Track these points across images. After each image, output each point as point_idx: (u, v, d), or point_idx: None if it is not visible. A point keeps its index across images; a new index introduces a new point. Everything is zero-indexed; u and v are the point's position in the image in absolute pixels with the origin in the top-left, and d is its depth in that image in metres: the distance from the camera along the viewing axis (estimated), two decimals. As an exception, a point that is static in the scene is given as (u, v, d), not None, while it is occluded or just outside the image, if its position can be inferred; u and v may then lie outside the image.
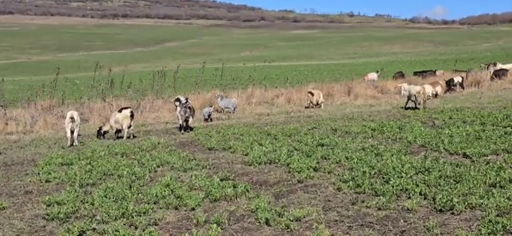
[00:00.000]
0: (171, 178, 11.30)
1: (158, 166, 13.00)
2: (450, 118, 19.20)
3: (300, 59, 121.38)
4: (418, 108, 23.53)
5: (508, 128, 15.78)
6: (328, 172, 11.43)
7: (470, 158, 11.97)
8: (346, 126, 18.27)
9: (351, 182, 10.31)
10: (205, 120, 22.83)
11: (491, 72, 37.00)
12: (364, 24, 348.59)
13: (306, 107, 26.73)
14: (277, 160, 12.77)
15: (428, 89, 28.85)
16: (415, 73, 42.28)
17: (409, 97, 24.41)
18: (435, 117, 19.62)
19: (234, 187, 10.39)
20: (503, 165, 10.94)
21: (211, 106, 24.18)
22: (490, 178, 9.93)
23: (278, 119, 22.48)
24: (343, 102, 28.64)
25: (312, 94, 27.15)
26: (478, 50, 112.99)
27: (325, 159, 12.80)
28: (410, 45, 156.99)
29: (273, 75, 60.24)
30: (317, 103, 26.90)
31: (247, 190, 10.20)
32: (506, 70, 36.78)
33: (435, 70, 42.84)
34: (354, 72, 56.78)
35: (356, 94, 30.49)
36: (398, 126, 17.39)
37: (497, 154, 12.28)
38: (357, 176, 10.62)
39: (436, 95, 29.36)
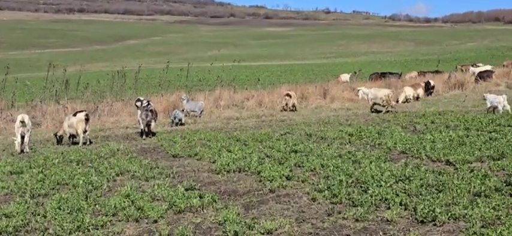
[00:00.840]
0: (131, 188, 11.19)
1: (117, 175, 12.87)
2: (432, 122, 19.42)
3: (272, 58, 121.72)
4: (390, 111, 23.95)
5: (493, 133, 16.02)
6: (302, 181, 11.44)
7: (454, 165, 12.11)
8: (322, 131, 18.33)
9: (326, 191, 10.33)
10: (176, 124, 22.78)
11: (476, 74, 37.59)
12: (341, 21, 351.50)
13: (282, 110, 26.80)
14: (247, 168, 12.75)
15: (409, 91, 29.21)
16: (379, 75, 42.18)
17: (374, 101, 24.83)
18: (416, 122, 19.83)
19: (200, 197, 10.34)
20: (489, 172, 11.09)
21: (183, 110, 24.10)
22: (474, 187, 10.05)
23: (248, 123, 22.46)
24: (319, 105, 28.76)
25: (290, 96, 27.22)
26: (462, 49, 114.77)
27: (299, 166, 12.82)
28: (390, 45, 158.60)
29: (243, 75, 60.23)
30: (293, 107, 26.99)
31: (215, 201, 10.16)
32: (492, 72, 37.42)
33: (400, 73, 42.97)
34: (330, 73, 57.16)
35: (332, 96, 30.66)
36: (377, 131, 17.52)
37: (482, 161, 12.45)
38: (333, 185, 10.65)
39: (417, 98, 29.70)
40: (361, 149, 14.70)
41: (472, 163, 12.28)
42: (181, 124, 22.88)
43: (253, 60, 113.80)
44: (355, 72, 44.83)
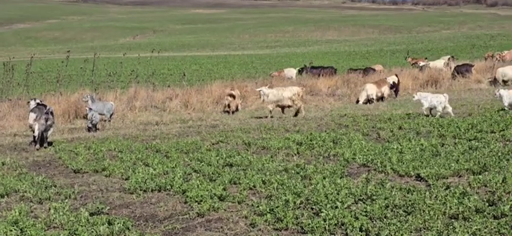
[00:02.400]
0: (20, 213, 10.97)
1: (2, 196, 12.60)
2: (400, 128, 19.72)
3: (201, 47, 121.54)
4: (297, 115, 24.48)
5: (473, 141, 16.38)
6: (239, 202, 11.43)
7: (426, 181, 12.31)
8: (264, 139, 18.37)
9: (269, 215, 10.35)
10: (89, 129, 22.62)
11: (453, 69, 38.47)
12: (288, 2, 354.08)
13: (225, 111, 26.80)
14: (169, 186, 12.66)
15: (372, 90, 29.63)
16: (302, 70, 42.69)
17: (280, 103, 25.28)
18: (380, 127, 20.10)
19: (109, 223, 10.21)
20: (468, 189, 11.33)
21: (85, 116, 23.82)
22: (450, 207, 10.23)
23: (171, 130, 22.35)
24: (260, 107, 28.85)
25: (233, 96, 27.20)
26: (436, 38, 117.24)
27: (235, 183, 12.80)
28: (348, 32, 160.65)
29: (165, 69, 60.00)
30: (237, 109, 27.00)
31: (128, 228, 10.05)
32: (471, 65, 38.34)
33: (335, 69, 43.56)
34: (275, 67, 57.48)
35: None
36: (332, 139, 17.67)
37: (460, 176, 12.70)
38: (278, 207, 10.68)
39: (382, 98, 30.16)
40: (312, 161, 14.79)
41: (447, 178, 12.51)
42: (95, 129, 22.69)
43: (178, 50, 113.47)
44: (306, 66, 45.17)
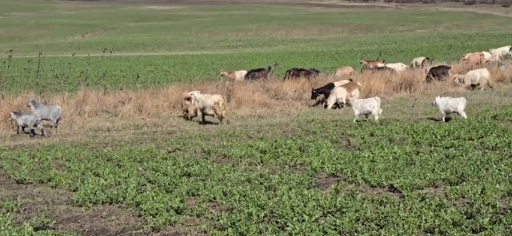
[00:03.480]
0: (-44, 228, 10.83)
1: None
2: (372, 135, 19.82)
3: (157, 47, 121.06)
4: (219, 122, 24.80)
5: (450, 149, 16.51)
6: (198, 215, 11.40)
7: (399, 192, 12.38)
8: (224, 147, 18.36)
9: (230, 229, 10.33)
10: (32, 133, 22.53)
11: (428, 71, 38.74)
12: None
13: (183, 116, 26.71)
14: (121, 199, 12.59)
15: (341, 93, 29.72)
16: (251, 73, 42.81)
17: (203, 110, 25.62)
18: (351, 133, 20.17)
19: (56, 239, 10.12)
20: (444, 201, 11.41)
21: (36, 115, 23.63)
22: (426, 220, 10.29)
23: (124, 136, 22.23)
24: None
25: (191, 100, 27.14)
26: (410, 38, 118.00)
27: (193, 195, 12.77)
28: (316, 31, 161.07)
29: (117, 70, 59.65)
30: (195, 114, 26.92)
31: (76, 244, 9.97)
32: (448, 68, 38.66)
33: (269, 68, 43.70)
34: (237, 68, 57.43)
35: (239, 99, 30.80)
36: (298, 147, 17.70)
37: (436, 187, 12.80)
38: (240, 220, 10.66)
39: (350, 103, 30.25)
40: (277, 171, 14.80)
41: (423, 188, 12.59)
42: (32, 133, 22.51)
43: (131, 50, 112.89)
44: (270, 67, 45.21)
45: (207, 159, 16.87)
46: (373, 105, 23.33)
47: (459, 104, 23.12)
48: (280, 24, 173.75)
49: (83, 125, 25.53)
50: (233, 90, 32.01)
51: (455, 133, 18.79)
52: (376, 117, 23.11)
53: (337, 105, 29.55)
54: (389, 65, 44.86)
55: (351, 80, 32.90)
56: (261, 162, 16.12)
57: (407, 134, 19.27)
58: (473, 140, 17.89)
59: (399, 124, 21.53)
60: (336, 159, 15.69)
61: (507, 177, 12.89)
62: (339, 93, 29.71)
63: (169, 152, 18.18)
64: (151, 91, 31.29)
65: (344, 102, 29.61)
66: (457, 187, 12.33)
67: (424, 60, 50.59)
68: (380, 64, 45.70)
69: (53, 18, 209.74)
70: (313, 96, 31.07)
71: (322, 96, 30.63)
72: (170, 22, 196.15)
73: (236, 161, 16.31)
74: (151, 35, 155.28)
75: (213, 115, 25.79)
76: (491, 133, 18.56)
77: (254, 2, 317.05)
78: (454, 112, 23.20)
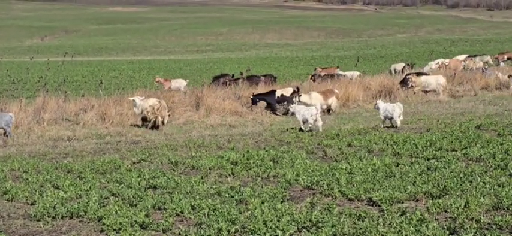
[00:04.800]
0: None
1: None
2: (349, 145, 19.86)
3: (121, 51, 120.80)
4: (157, 128, 25.44)
5: (432, 160, 16.58)
6: (164, 231, 11.37)
7: (379, 206, 12.41)
8: (193, 158, 18.33)
9: (199, 245, 10.30)
10: None
11: (404, 77, 38.89)
12: (223, 0, 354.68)
13: (147, 127, 26.68)
14: (82, 213, 12.52)
15: (316, 100, 29.74)
16: (216, 78, 42.96)
17: (142, 115, 26.11)
18: (327, 144, 20.21)
19: (11, 257, 10.05)
20: (426, 215, 11.44)
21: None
22: (406, 235, 10.32)
23: (85, 146, 22.14)
24: (189, 120, 28.77)
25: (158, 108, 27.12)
26: (390, 43, 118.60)
27: (160, 209, 12.74)
28: (290, 34, 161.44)
29: (79, 76, 59.44)
30: (162, 123, 26.89)
31: (33, 262, 9.90)
32: (426, 75, 38.80)
33: (234, 75, 43.91)
34: (206, 74, 57.44)
35: (208, 107, 30.77)
36: (272, 158, 17.70)
37: (417, 200, 12.84)
38: (209, 235, 10.64)
39: (329, 110, 30.32)
40: (249, 183, 14.79)
41: (403, 202, 12.63)
42: None
43: (94, 54, 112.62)
44: (242, 73, 45.25)
45: (174, 170, 16.83)
46: (311, 113, 23.83)
47: (395, 110, 23.93)
48: (253, 27, 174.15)
49: (42, 134, 25.38)
50: (202, 97, 31.98)
51: (437, 144, 18.86)
52: (319, 124, 23.80)
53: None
54: (346, 73, 45.28)
55: (298, 89, 33.01)
56: (232, 173, 16.10)
57: (387, 144, 19.33)
58: (456, 151, 17.96)
59: (378, 134, 21.60)
60: (312, 170, 15.70)
61: (492, 190, 12.95)
62: (314, 100, 29.74)
63: (134, 163, 18.12)
64: (115, 99, 31.18)
65: (320, 110, 29.69)
66: (440, 200, 12.37)
67: (404, 67, 50.81)
68: (333, 72, 46.24)
69: (10, 19, 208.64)
70: (253, 102, 31.33)
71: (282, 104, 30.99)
72: (135, 25, 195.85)
73: (205, 173, 16.28)
74: (115, 38, 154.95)
75: (150, 120, 26.41)
76: (476, 144, 18.65)
77: (225, 4, 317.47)
78: (391, 118, 24.06)
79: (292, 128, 24.36)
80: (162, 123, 26.99)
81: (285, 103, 30.76)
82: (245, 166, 16.69)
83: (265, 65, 73.08)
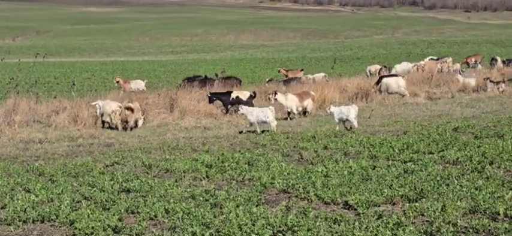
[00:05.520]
0: None
1: None
2: (325, 148, 19.87)
3: (94, 52, 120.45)
4: (126, 129, 25.76)
5: (409, 163, 16.62)
6: (137, 235, 11.33)
7: (355, 209, 12.42)
8: (167, 161, 18.28)
9: (172, 250, 10.29)
10: None
11: (378, 79, 39.08)
12: (197, 1, 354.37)
13: (122, 128, 26.63)
14: (54, 216, 12.45)
15: (292, 102, 29.80)
16: (189, 80, 43.12)
17: (104, 118, 26.47)
18: (303, 147, 20.21)
19: (-19, 262, 9.99)
20: (403, 219, 11.47)
21: None
22: (382, 239, 10.36)
23: (57, 149, 22.03)
24: (163, 122, 28.73)
25: (132, 110, 27.03)
26: (367, 44, 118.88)
27: (133, 213, 12.70)
28: (266, 36, 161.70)
29: (51, 77, 59.22)
30: (136, 124, 26.82)
31: (3, 267, 9.85)
32: (396, 76, 38.98)
33: (207, 76, 44.32)
34: (181, 75, 57.36)
35: (183, 109, 30.75)
36: (247, 161, 17.68)
37: (394, 204, 12.87)
38: (183, 240, 10.62)
39: (305, 112, 30.36)
40: (223, 187, 14.77)
41: (379, 206, 12.66)
42: None
43: (66, 55, 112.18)
44: (217, 75, 45.30)
45: (147, 173, 16.79)
46: (267, 115, 24.21)
47: (351, 112, 24.29)
48: (228, 28, 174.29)
49: (13, 136, 25.28)
50: (177, 99, 31.95)
51: (414, 147, 18.91)
52: (273, 125, 24.15)
53: (289, 115, 29.65)
54: (312, 76, 45.64)
55: (255, 93, 33.18)
56: (207, 177, 16.08)
57: (364, 147, 19.36)
58: (433, 154, 18.02)
59: (355, 137, 21.61)
60: (287, 173, 15.70)
61: (469, 194, 13.00)
62: (290, 102, 29.77)
63: (106, 166, 18.05)
64: (88, 100, 31.10)
65: (295, 112, 29.73)
66: (416, 204, 12.40)
67: (381, 68, 51.05)
68: (298, 75, 46.60)
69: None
70: (210, 100, 31.67)
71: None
72: (109, 25, 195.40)
73: (179, 176, 16.24)
74: (88, 39, 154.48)
75: (110, 123, 26.75)
76: (452, 147, 18.71)
77: (200, 4, 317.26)
78: (346, 120, 24.37)
79: (268, 130, 24.37)
80: (136, 125, 26.94)
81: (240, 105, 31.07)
82: (220, 169, 16.67)
83: (240, 66, 73.13)
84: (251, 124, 24.62)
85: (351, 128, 23.96)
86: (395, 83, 36.08)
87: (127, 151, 20.70)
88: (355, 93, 36.06)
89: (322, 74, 47.29)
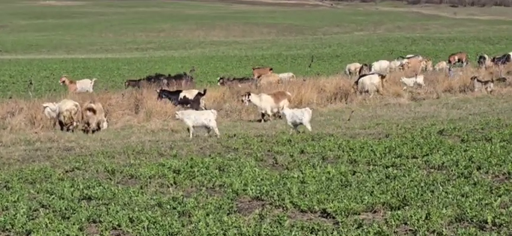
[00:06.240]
0: None
1: None
2: (302, 152, 19.90)
3: (53, 49, 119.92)
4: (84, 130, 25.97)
5: (391, 169, 16.66)
6: (100, 246, 11.31)
7: (333, 218, 12.44)
8: (131, 166, 18.25)
9: (137, 262, 10.27)
10: None
11: (357, 80, 39.26)
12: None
13: (83, 130, 26.54)
14: (9, 226, 12.39)
15: (266, 103, 29.82)
16: (149, 79, 43.30)
17: (59, 118, 26.61)
18: (278, 151, 20.23)
19: None
20: (384, 228, 11.50)
21: None
22: (363, 250, 10.39)
23: (13, 153, 21.92)
24: (128, 124, 28.68)
25: (94, 111, 26.97)
26: (347, 41, 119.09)
27: (94, 222, 12.65)
28: (238, 31, 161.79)
29: (6, 76, 58.92)
30: (98, 127, 26.77)
31: (-46, 281, 9.79)
32: (382, 77, 39.15)
33: (170, 75, 44.75)
34: (147, 73, 57.24)
35: (149, 111, 30.72)
36: (218, 166, 17.68)
37: (375, 211, 12.90)
38: (149, 251, 10.61)
39: (280, 115, 30.39)
40: (192, 194, 14.76)
41: (359, 214, 12.68)
42: None
43: (23, 52, 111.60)
44: (186, 73, 45.30)
45: (110, 179, 16.73)
46: (209, 118, 24.59)
47: (304, 115, 24.68)
48: (197, 23, 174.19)
49: (-36, 139, 25.16)
50: (142, 100, 31.92)
51: (396, 151, 18.95)
52: (216, 130, 24.49)
53: (263, 117, 29.69)
54: (281, 75, 46.05)
55: (205, 91, 33.41)
56: (174, 183, 16.05)
57: (343, 151, 19.39)
58: (417, 158, 18.07)
59: (333, 140, 21.64)
60: (261, 179, 15.70)
61: (455, 201, 13.04)
62: (264, 102, 29.79)
63: (66, 172, 17.98)
64: (47, 100, 31.01)
65: (270, 114, 29.77)
66: (399, 212, 12.43)
67: (362, 67, 51.24)
68: (266, 72, 47.03)
69: None
70: (160, 96, 32.14)
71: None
72: (69, 20, 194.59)
73: (145, 182, 16.20)
74: (47, 34, 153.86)
75: (64, 123, 27.03)
76: (437, 151, 18.78)
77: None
78: (300, 123, 24.70)
79: (240, 133, 24.37)
80: (99, 127, 26.89)
81: (188, 105, 31.46)
82: (189, 175, 16.65)
83: (211, 65, 73.12)
84: (188, 129, 24.80)
85: (304, 132, 24.21)
86: (369, 81, 36.32)
87: (88, 156, 20.62)
88: (334, 93, 36.16)
89: (290, 74, 47.44)
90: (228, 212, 12.99)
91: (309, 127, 24.30)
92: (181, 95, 32.64)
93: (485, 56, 58.65)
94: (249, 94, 30.41)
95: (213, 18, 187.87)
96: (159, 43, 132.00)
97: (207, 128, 24.54)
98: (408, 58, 58.25)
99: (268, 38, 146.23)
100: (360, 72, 48.70)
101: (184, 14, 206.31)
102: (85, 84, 43.86)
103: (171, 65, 70.48)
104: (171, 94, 33.14)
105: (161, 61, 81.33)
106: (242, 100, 30.62)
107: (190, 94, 32.69)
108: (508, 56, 56.41)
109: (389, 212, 12.55)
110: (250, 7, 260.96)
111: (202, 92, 32.98)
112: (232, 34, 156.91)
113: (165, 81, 42.00)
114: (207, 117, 24.40)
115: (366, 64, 52.91)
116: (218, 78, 46.29)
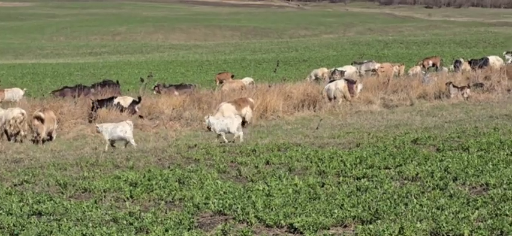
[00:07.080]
0: None
1: None
2: (267, 163, 19.90)
3: (0, 53, 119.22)
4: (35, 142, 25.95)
5: (362, 180, 16.73)
6: (50, 265, 11.27)
7: (301, 233, 12.47)
8: (85, 179, 18.17)
9: (91, 281, 10.25)
10: None
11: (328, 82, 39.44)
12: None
13: (33, 140, 26.43)
14: (-48, 244, 12.33)
15: (227, 111, 29.78)
16: (73, 89, 43.23)
17: (5, 127, 26.80)
18: (242, 162, 20.21)
19: None
20: (355, 244, 11.57)
21: None
22: (332, 267, 10.43)
23: (-43, 166, 21.78)
24: (81, 134, 28.57)
25: (42, 120, 26.86)
26: (315, 44, 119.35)
27: (45, 239, 12.62)
28: (200, 35, 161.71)
29: (-51, 83, 58.42)
30: (50, 137, 26.67)
31: None
32: (352, 82, 39.28)
33: (118, 81, 44.91)
34: (101, 79, 57.07)
35: (103, 120, 30.61)
36: (178, 178, 17.65)
37: (345, 226, 12.94)
38: (103, 270, 10.59)
39: (243, 123, 30.37)
40: (150, 208, 14.74)
41: (329, 228, 12.73)
42: None
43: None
44: (143, 79, 45.27)
45: (62, 193, 16.66)
46: (126, 130, 24.86)
47: (233, 123, 25.27)
48: (155, 26, 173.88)
49: None
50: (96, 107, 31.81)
51: (368, 161, 19.00)
52: (132, 142, 24.84)
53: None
54: (243, 80, 46.37)
55: (139, 98, 33.49)
56: (131, 197, 16.01)
57: (311, 162, 19.42)
58: (389, 169, 18.14)
59: (301, 150, 21.65)
60: (224, 192, 15.70)
61: (429, 214, 13.11)
62: (226, 110, 29.76)
63: (14, 185, 17.87)
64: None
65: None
66: (370, 226, 12.48)
67: (333, 72, 51.38)
68: (227, 77, 47.22)
69: None
70: (93, 108, 31.96)
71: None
72: (17, 22, 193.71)
73: (99, 196, 16.15)
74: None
75: (10, 134, 27.02)
76: (411, 161, 18.86)
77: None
78: (228, 132, 25.24)
79: (202, 143, 24.37)
80: (50, 138, 26.79)
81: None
82: (146, 188, 16.61)
83: (170, 70, 73.01)
84: (105, 142, 25.02)
85: (233, 141, 24.43)
86: (334, 87, 36.53)
87: (38, 168, 20.48)
88: (302, 100, 36.19)
89: (248, 80, 47.51)
90: (188, 227, 12.98)
91: (238, 134, 24.99)
92: (116, 101, 32.74)
93: (462, 59, 58.95)
94: (139, 100, 31.29)
95: (173, 21, 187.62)
96: (115, 47, 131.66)
97: (124, 140, 24.75)
98: (364, 63, 58.70)
99: (232, 41, 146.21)
100: (330, 77, 48.77)
101: (142, 16, 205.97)
102: (15, 93, 43.02)
103: (127, 70, 70.39)
104: (104, 102, 33.13)
105: (116, 66, 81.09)
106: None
107: (124, 101, 32.74)
108: (487, 59, 56.61)
109: (361, 226, 12.59)
110: (213, 8, 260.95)
111: (137, 99, 32.99)
112: (193, 37, 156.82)
113: (92, 90, 41.82)
114: (123, 128, 24.62)
115: (336, 69, 53.07)
116: (153, 86, 45.96)
